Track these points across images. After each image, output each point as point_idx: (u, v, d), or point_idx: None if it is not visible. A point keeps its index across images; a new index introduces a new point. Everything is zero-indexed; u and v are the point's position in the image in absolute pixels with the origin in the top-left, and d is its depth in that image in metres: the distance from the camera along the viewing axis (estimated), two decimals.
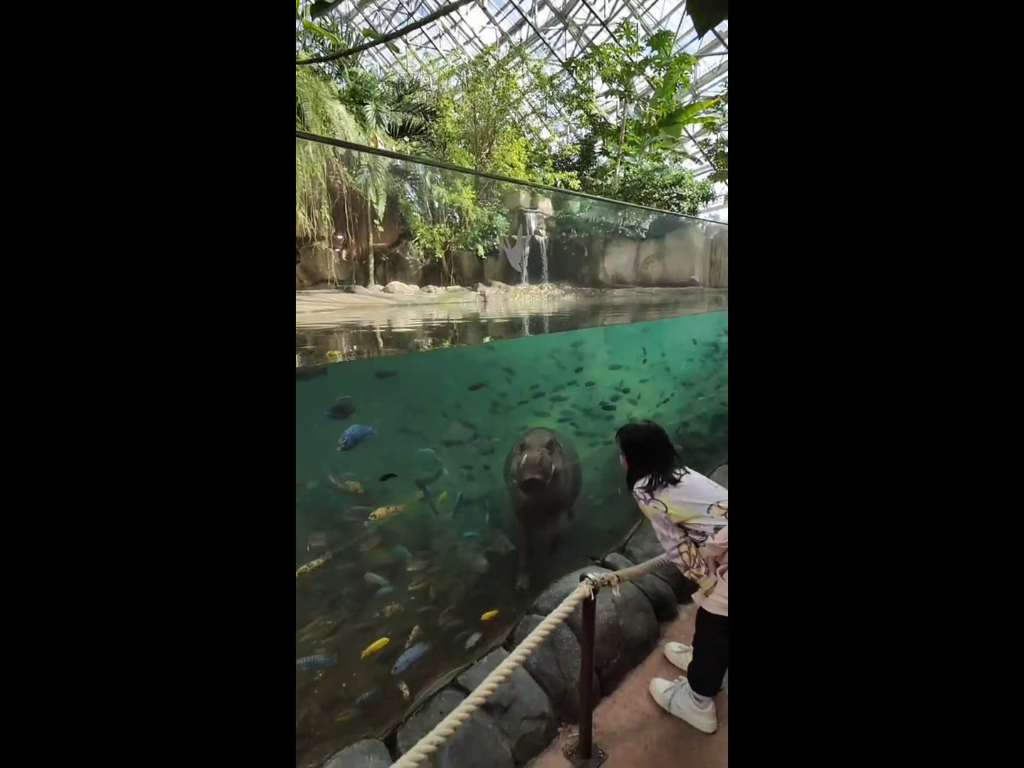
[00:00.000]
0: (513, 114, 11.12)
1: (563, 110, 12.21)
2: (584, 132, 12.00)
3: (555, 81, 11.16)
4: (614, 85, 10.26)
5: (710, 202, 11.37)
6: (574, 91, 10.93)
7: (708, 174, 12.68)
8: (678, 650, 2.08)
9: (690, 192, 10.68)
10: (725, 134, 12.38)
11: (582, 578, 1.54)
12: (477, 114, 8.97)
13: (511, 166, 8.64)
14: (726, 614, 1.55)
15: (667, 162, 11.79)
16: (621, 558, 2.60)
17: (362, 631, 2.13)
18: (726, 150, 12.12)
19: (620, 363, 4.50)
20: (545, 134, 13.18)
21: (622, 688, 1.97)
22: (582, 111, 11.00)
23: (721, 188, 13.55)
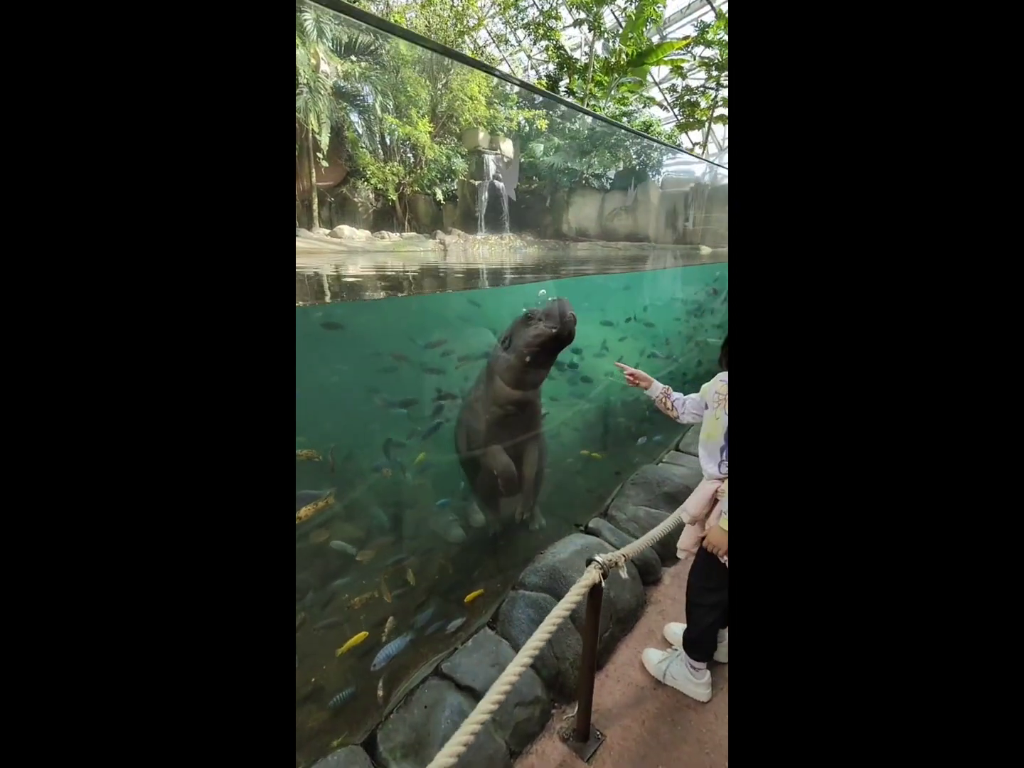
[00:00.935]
0: (470, 41, 10.06)
1: (526, 39, 11.22)
2: (548, 68, 11.14)
3: (520, 3, 10.13)
4: (582, 15, 9.46)
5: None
6: (539, 18, 9.99)
7: (675, 123, 12.29)
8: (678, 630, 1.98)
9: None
10: (692, 81, 11.92)
11: (588, 562, 1.37)
12: (433, 36, 8.01)
13: (471, 98, 7.88)
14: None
15: (634, 107, 11.25)
16: (604, 523, 2.50)
17: (329, 627, 1.90)
18: (694, 98, 11.72)
19: (610, 320, 4.25)
20: (506, 68, 12.13)
21: (613, 661, 1.88)
22: (547, 42, 10.13)
23: (684, 140, 13.22)
